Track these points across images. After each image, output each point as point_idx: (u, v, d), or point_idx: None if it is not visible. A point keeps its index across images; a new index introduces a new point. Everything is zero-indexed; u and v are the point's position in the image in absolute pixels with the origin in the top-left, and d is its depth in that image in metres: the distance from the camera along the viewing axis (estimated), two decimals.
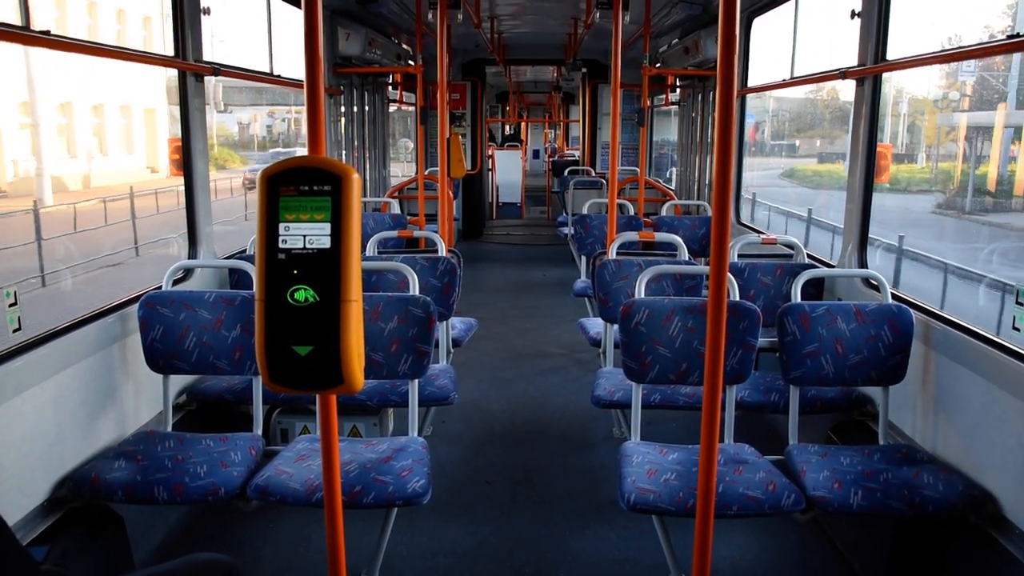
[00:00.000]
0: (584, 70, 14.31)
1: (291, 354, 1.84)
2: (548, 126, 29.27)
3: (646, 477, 3.11)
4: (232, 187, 26.88)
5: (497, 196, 17.10)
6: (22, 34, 3.11)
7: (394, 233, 5.57)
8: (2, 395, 2.91)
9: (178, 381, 4.08)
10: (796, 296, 3.85)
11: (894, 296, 3.83)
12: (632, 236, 5.28)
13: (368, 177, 9.61)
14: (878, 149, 4.48)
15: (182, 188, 4.60)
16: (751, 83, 6.96)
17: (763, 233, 5.88)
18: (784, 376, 3.61)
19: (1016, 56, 18.24)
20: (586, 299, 6.91)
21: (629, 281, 4.55)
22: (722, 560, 3.68)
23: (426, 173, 8.37)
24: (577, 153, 21.35)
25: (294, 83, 6.29)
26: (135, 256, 16.68)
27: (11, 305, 3.10)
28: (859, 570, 3.61)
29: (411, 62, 10.10)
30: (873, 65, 4.33)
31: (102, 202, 19.13)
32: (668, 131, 14.72)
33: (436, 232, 5.52)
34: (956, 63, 19.30)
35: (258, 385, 3.72)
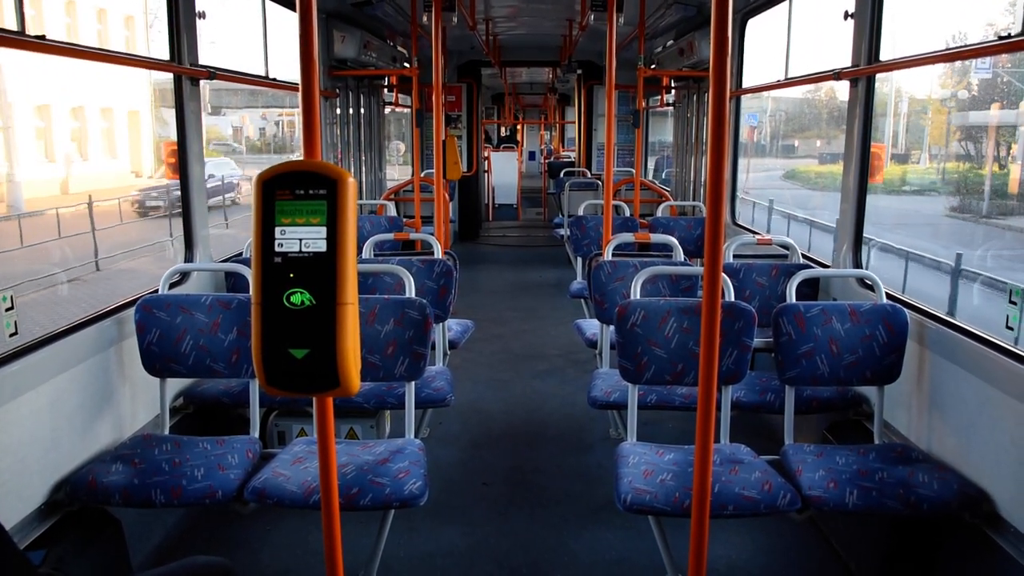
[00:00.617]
0: (579, 71, 14.32)
1: (288, 357, 1.84)
2: (544, 127, 29.31)
3: (642, 478, 3.12)
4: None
5: (493, 198, 17.11)
6: (17, 39, 3.11)
7: (390, 236, 5.58)
8: None
9: (175, 384, 4.08)
10: (791, 296, 3.87)
11: (888, 296, 3.84)
12: (628, 237, 5.30)
13: (364, 179, 9.61)
14: (872, 150, 4.50)
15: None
16: (746, 84, 6.98)
17: (758, 234, 5.89)
18: (779, 376, 3.62)
19: None
20: (582, 300, 6.91)
21: (625, 282, 4.56)
22: (718, 560, 3.69)
23: (422, 175, 8.38)
24: (573, 154, 21.35)
25: (289, 86, 6.30)
26: (95, 271, 15.36)
27: (7, 310, 3.10)
28: (855, 569, 3.62)
29: (406, 64, 10.10)
30: (867, 66, 4.35)
31: (86, 206, 17.48)
32: (665, 132, 14.73)
33: (432, 234, 5.52)
34: (964, 61, 19.13)
35: (255, 388, 3.73)
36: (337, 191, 1.83)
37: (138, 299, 3.69)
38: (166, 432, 3.68)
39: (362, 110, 9.47)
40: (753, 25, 6.90)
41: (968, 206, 19.67)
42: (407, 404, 3.70)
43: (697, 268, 4.57)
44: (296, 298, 1.82)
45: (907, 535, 3.36)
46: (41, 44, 3.20)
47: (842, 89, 4.59)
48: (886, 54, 4.32)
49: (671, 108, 11.21)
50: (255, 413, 3.73)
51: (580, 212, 7.50)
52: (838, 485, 3.05)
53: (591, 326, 5.21)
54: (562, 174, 13.05)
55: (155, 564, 3.65)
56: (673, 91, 10.84)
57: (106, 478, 3.12)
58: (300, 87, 2.01)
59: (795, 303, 3.65)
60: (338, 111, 8.45)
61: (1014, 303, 3.11)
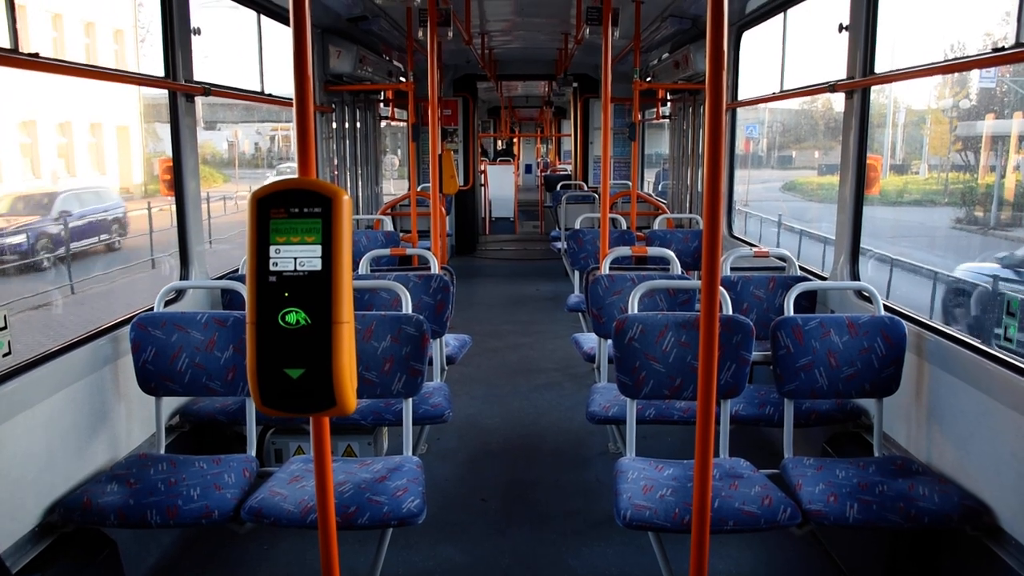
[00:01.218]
0: (575, 85, 14.37)
1: (283, 377, 1.83)
2: (540, 141, 29.37)
3: (642, 493, 3.10)
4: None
5: (490, 211, 17.11)
6: (11, 57, 3.11)
7: (387, 251, 5.57)
8: None
9: (171, 403, 4.06)
10: (789, 309, 3.86)
11: (886, 308, 3.84)
12: (625, 251, 5.29)
13: (360, 194, 9.62)
14: (868, 161, 4.50)
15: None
16: (741, 96, 7.00)
17: (755, 246, 5.89)
18: (778, 389, 3.61)
19: None
20: (580, 314, 6.90)
21: (622, 296, 4.55)
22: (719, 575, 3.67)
23: (419, 189, 8.39)
24: (569, 167, 21.40)
25: (285, 101, 6.30)
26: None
27: (0, 329, 3.08)
28: None
29: (402, 79, 10.13)
30: (862, 78, 4.37)
31: None
32: (662, 145, 14.75)
33: (429, 249, 5.52)
34: (965, 72, 19.11)
35: (251, 406, 3.70)
36: (332, 209, 1.82)
37: (133, 317, 3.68)
38: (162, 451, 3.65)
39: (358, 125, 9.49)
40: (748, 37, 6.93)
41: (973, 218, 19.39)
42: (405, 421, 3.68)
43: (695, 281, 4.56)
44: (291, 317, 1.81)
45: (908, 548, 3.34)
46: (36, 62, 3.19)
47: (838, 100, 4.60)
48: (882, 66, 4.33)
49: (667, 121, 11.24)
50: (252, 431, 3.70)
51: (577, 225, 7.50)
52: (838, 499, 3.03)
53: (589, 340, 5.19)
54: (559, 187, 13.07)
55: None
56: (669, 104, 10.88)
57: (101, 499, 3.09)
58: (295, 102, 2.00)
59: (793, 316, 3.64)
60: (334, 126, 8.46)
61: (1012, 315, 3.10)
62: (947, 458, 3.35)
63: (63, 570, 3.06)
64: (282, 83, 6.40)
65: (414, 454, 3.60)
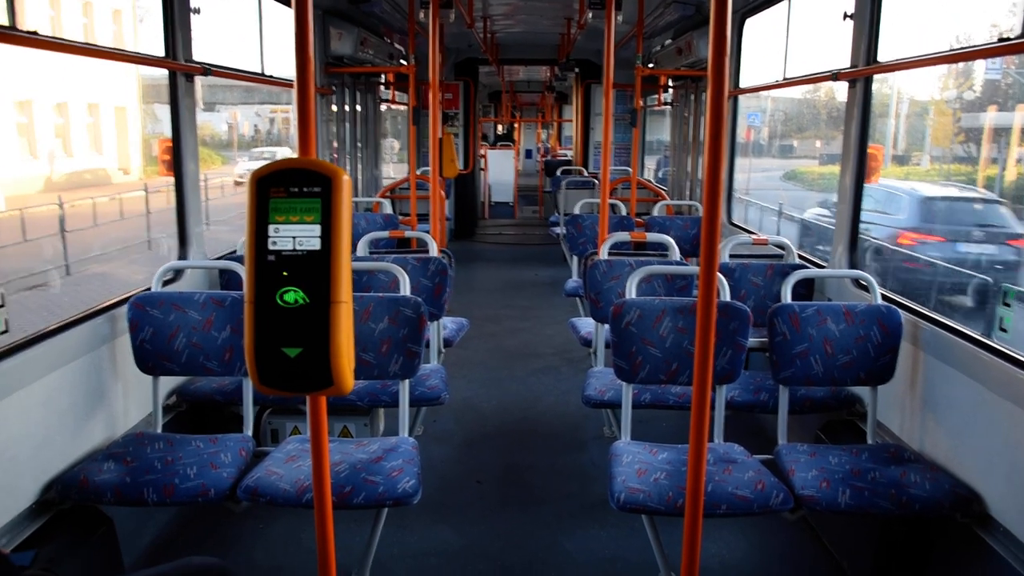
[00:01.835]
0: (577, 70, 14.31)
1: (281, 356, 1.83)
2: (541, 126, 29.27)
3: (636, 477, 3.12)
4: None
5: (489, 196, 17.09)
6: (9, 34, 3.09)
7: (385, 233, 5.57)
8: None
9: (168, 382, 4.07)
10: (786, 296, 3.87)
11: (883, 297, 3.85)
12: (624, 236, 5.29)
13: (360, 177, 9.60)
14: (869, 151, 4.50)
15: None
16: (743, 84, 6.98)
17: (754, 233, 5.89)
18: (774, 376, 3.63)
19: None
20: (577, 299, 6.91)
21: (620, 281, 4.56)
22: (711, 559, 3.69)
23: (418, 173, 8.39)
24: (570, 153, 21.34)
25: (285, 83, 6.28)
26: None
27: None
28: (847, 568, 3.63)
29: (403, 62, 10.09)
30: (865, 67, 4.35)
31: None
32: (663, 131, 14.71)
33: (428, 232, 5.52)
34: (969, 63, 18.96)
35: (248, 386, 3.72)
36: (332, 189, 1.82)
37: (131, 296, 3.68)
38: (159, 430, 3.67)
39: (358, 107, 9.46)
40: (751, 24, 6.90)
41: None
42: (401, 402, 3.69)
43: (693, 268, 4.57)
44: (289, 296, 1.81)
45: (899, 535, 3.37)
46: (35, 40, 3.18)
47: (841, 90, 4.59)
48: (886, 55, 4.32)
49: (669, 107, 11.20)
50: (248, 411, 3.72)
51: (576, 211, 7.49)
52: (831, 485, 3.06)
53: (586, 325, 5.21)
54: (559, 172, 13.04)
55: (148, 563, 3.64)
56: (671, 90, 10.84)
57: (98, 476, 3.11)
58: (296, 84, 2.00)
59: (790, 303, 3.65)
60: (334, 108, 8.43)
61: (1008, 305, 3.11)
62: (939, 446, 3.37)
63: (60, 547, 3.08)
64: (282, 64, 6.38)
65: (410, 436, 3.62)
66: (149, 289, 3.88)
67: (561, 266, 10.38)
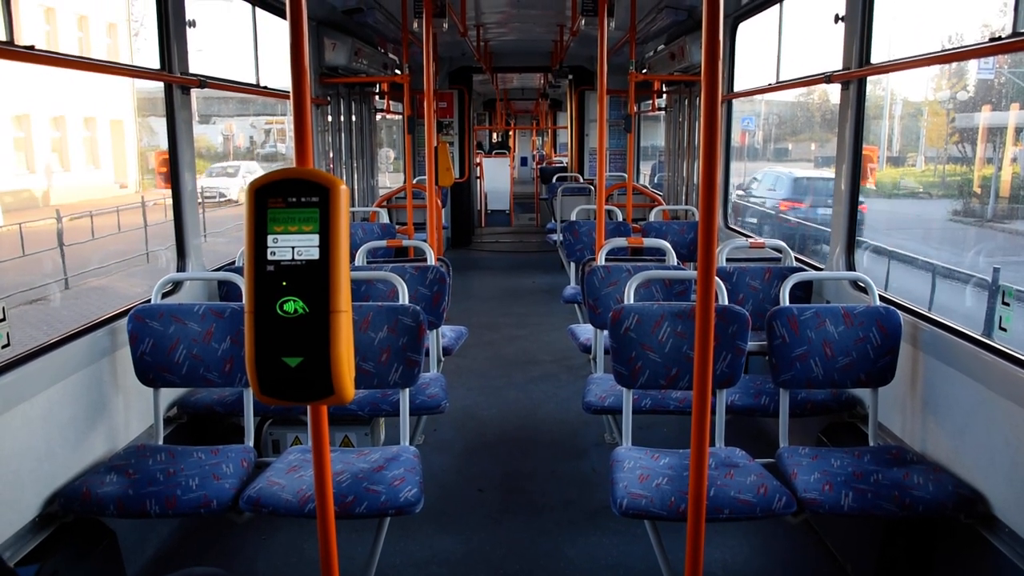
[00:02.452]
0: (571, 77, 14.34)
1: (281, 366, 1.83)
2: (536, 133, 29.30)
3: (638, 482, 3.12)
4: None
5: (485, 204, 17.09)
6: (7, 49, 3.10)
7: (383, 243, 5.58)
8: None
9: (168, 394, 4.07)
10: (784, 299, 3.88)
11: (882, 298, 3.86)
12: (621, 242, 5.30)
13: (356, 187, 9.60)
14: (864, 152, 4.52)
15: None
16: (737, 88, 7.00)
17: (751, 237, 5.90)
18: (774, 379, 3.63)
19: None
20: (576, 305, 6.91)
21: (618, 287, 4.56)
22: (714, 564, 3.69)
23: (414, 182, 8.39)
24: (565, 160, 21.37)
25: (280, 94, 6.29)
26: None
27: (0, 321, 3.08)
28: (851, 571, 3.62)
29: (398, 71, 10.11)
30: (858, 69, 4.37)
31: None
32: (658, 137, 14.74)
33: (425, 241, 5.52)
34: (962, 63, 18.96)
35: (249, 397, 3.71)
36: (329, 198, 1.82)
37: (131, 309, 3.68)
38: (160, 442, 3.66)
39: (353, 117, 9.47)
40: (744, 29, 6.93)
41: (971, 210, 19.19)
42: (402, 411, 3.69)
43: (690, 272, 4.57)
44: (289, 306, 1.82)
45: (903, 537, 3.37)
46: (32, 55, 3.18)
47: (834, 92, 4.61)
48: (878, 57, 4.34)
49: (663, 113, 11.23)
50: (249, 422, 3.71)
51: (573, 217, 7.50)
52: (833, 488, 3.05)
53: (585, 331, 5.21)
54: (554, 179, 13.06)
55: (151, 575, 3.63)
56: (665, 95, 10.86)
57: (100, 489, 3.10)
58: (291, 95, 2.01)
59: (788, 306, 3.65)
60: (329, 118, 8.45)
61: (1007, 304, 3.11)
62: (941, 447, 3.37)
63: (63, 560, 3.07)
64: (277, 76, 6.38)
65: (411, 445, 3.61)
66: (149, 301, 3.88)
67: (558, 273, 10.39)
